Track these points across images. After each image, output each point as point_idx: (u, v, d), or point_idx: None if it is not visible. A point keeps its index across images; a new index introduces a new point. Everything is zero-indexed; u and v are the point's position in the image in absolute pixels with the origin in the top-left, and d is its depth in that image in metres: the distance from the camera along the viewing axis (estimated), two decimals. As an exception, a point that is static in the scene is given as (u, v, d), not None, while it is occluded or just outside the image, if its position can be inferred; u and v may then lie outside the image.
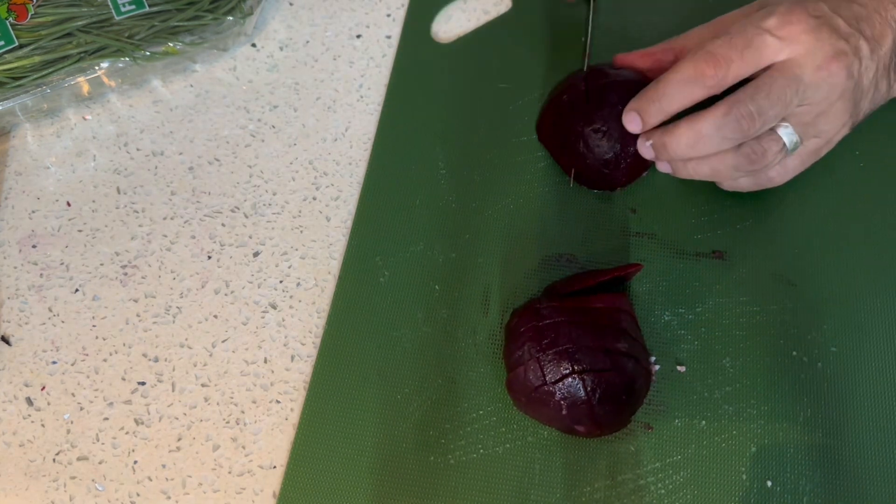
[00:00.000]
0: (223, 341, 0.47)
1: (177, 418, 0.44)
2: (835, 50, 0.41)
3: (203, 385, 0.45)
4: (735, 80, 0.42)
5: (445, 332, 0.46)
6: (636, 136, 0.46)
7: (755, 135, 0.42)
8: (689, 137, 0.42)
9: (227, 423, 0.44)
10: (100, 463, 0.43)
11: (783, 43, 0.41)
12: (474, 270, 0.48)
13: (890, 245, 0.48)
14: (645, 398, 0.44)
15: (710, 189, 0.49)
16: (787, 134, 0.43)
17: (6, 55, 0.51)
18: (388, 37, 0.58)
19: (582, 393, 0.41)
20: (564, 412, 0.41)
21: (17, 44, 0.51)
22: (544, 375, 0.41)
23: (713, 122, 0.41)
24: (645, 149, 0.46)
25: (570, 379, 0.41)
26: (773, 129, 0.43)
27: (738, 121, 0.41)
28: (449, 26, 0.58)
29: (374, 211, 0.50)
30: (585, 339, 0.42)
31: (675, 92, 0.42)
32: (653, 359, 0.45)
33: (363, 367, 0.45)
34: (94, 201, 0.52)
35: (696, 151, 0.43)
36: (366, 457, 0.43)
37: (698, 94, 0.42)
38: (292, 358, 0.46)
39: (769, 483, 0.41)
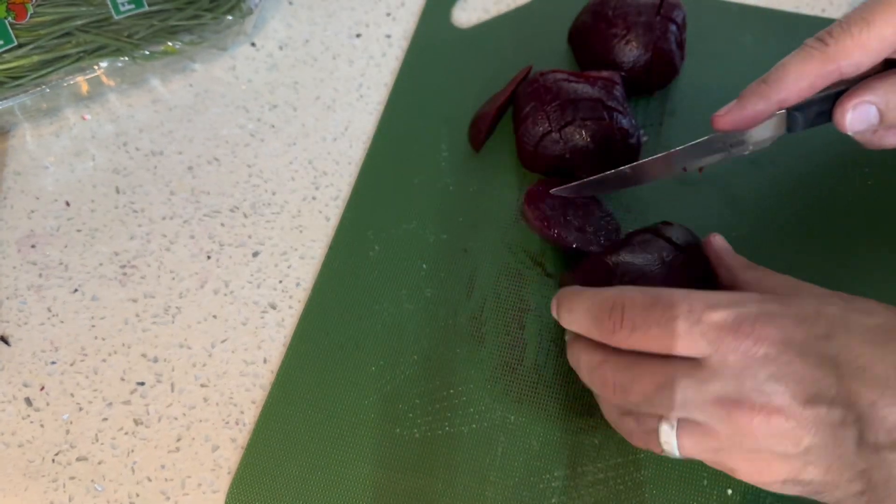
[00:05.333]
0: (222, 341, 0.47)
1: (176, 419, 0.44)
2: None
3: (202, 385, 0.45)
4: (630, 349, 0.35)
5: (427, 311, 0.46)
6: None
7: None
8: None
9: (227, 423, 0.44)
10: (99, 463, 0.43)
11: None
12: (463, 253, 0.48)
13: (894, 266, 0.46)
14: (637, 156, 0.49)
15: (706, 194, 0.49)
16: (665, 432, 0.34)
17: (5, 55, 0.51)
18: (388, 36, 0.58)
19: (581, 139, 0.47)
20: (568, 156, 0.47)
21: (15, 43, 0.51)
22: (550, 123, 0.47)
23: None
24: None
25: (571, 127, 0.46)
26: (656, 419, 0.34)
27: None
28: (469, 11, 0.58)
29: (372, 185, 0.51)
30: (584, 92, 0.47)
31: (577, 313, 0.36)
32: (641, 131, 0.49)
33: (341, 336, 0.45)
34: (93, 201, 0.52)
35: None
36: (334, 424, 0.43)
37: (589, 332, 0.36)
38: (292, 358, 0.46)
39: (729, 491, 0.40)
